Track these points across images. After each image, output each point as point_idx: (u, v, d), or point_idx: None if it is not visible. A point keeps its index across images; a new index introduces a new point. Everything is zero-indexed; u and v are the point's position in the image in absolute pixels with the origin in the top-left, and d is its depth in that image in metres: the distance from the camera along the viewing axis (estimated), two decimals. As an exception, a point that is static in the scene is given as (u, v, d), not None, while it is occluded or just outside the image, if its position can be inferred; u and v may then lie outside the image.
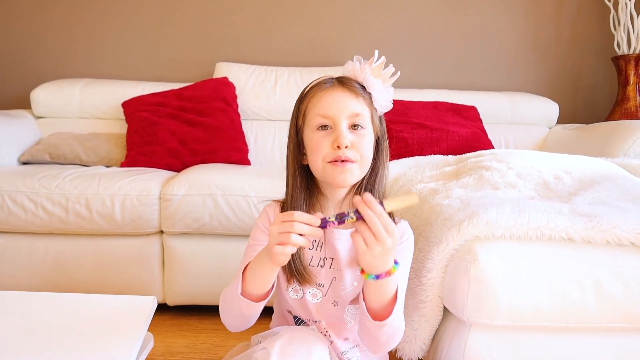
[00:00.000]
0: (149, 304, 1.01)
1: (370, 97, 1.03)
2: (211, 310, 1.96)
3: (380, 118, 1.07)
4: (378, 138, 1.06)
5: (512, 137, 2.60)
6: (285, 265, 1.05)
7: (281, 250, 0.84)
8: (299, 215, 0.84)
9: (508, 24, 2.93)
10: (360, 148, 1.00)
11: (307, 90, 1.06)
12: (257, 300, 0.96)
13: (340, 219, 0.86)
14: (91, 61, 2.94)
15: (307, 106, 1.04)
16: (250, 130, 2.52)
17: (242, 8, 2.89)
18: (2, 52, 2.96)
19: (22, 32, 2.94)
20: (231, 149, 2.29)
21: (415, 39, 2.90)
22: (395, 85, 3.07)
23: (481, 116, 2.55)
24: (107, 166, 2.28)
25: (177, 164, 2.23)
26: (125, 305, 1.03)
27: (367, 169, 1.03)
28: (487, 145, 2.32)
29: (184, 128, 2.32)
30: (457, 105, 2.53)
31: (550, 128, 2.71)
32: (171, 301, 1.94)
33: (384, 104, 1.04)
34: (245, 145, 2.37)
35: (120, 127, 2.57)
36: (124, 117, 2.55)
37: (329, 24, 2.89)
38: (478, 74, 2.94)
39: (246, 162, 2.32)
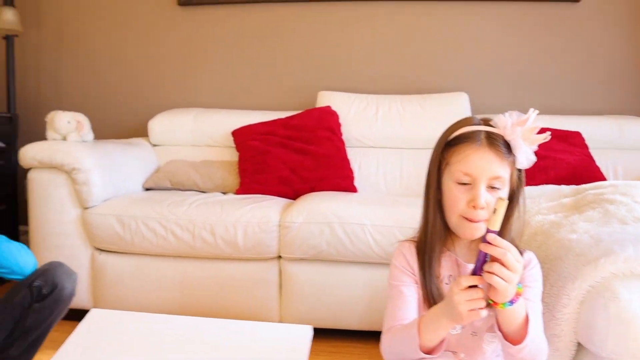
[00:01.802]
0: (306, 333, 1.09)
1: (514, 157, 1.05)
2: (326, 333, 2.04)
3: (520, 172, 1.08)
4: (513, 191, 1.09)
5: (621, 163, 2.53)
6: (426, 299, 1.12)
7: (475, 314, 0.95)
8: (467, 280, 0.95)
9: (613, 46, 2.87)
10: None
11: (454, 137, 1.10)
12: (429, 352, 1.03)
13: (482, 265, 0.96)
14: (202, 92, 3.14)
15: (451, 157, 1.08)
16: (354, 157, 2.59)
17: (342, 38, 3.00)
18: (123, 86, 3.22)
19: (141, 66, 3.20)
20: (339, 176, 2.38)
21: (515, 65, 2.89)
22: (497, 111, 3.05)
23: (586, 141, 2.51)
24: (223, 192, 2.43)
25: (288, 191, 2.34)
26: (282, 333, 1.12)
27: None
28: (596, 172, 2.29)
29: (293, 156, 2.44)
30: (561, 131, 2.51)
31: (662, 153, 2.62)
32: (289, 322, 2.03)
33: (525, 164, 1.05)
34: (351, 172, 2.46)
35: (230, 155, 2.72)
36: (233, 145, 2.71)
37: (428, 52, 2.94)
38: (580, 97, 2.89)
39: (353, 189, 2.40)
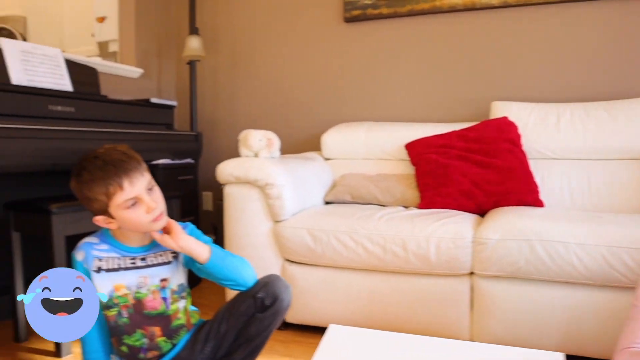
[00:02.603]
0: (558, 361, 1.06)
1: None
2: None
3: None
4: None
5: None
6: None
7: None
8: None
9: None
10: None
11: None
12: None
13: None
14: (371, 105, 3.21)
15: None
16: (536, 170, 2.49)
17: (513, 46, 2.91)
18: (293, 102, 3.38)
19: (310, 83, 3.35)
20: (524, 190, 2.30)
21: None
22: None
23: None
24: (405, 207, 2.45)
25: (470, 205, 2.31)
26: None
27: None
28: None
29: (474, 169, 2.40)
30: None
31: None
32: (480, 341, 1.99)
33: None
34: (536, 186, 2.36)
35: (403, 167, 2.74)
36: (406, 158, 2.73)
37: (610, 54, 2.74)
38: None
39: (539, 203, 2.30)
